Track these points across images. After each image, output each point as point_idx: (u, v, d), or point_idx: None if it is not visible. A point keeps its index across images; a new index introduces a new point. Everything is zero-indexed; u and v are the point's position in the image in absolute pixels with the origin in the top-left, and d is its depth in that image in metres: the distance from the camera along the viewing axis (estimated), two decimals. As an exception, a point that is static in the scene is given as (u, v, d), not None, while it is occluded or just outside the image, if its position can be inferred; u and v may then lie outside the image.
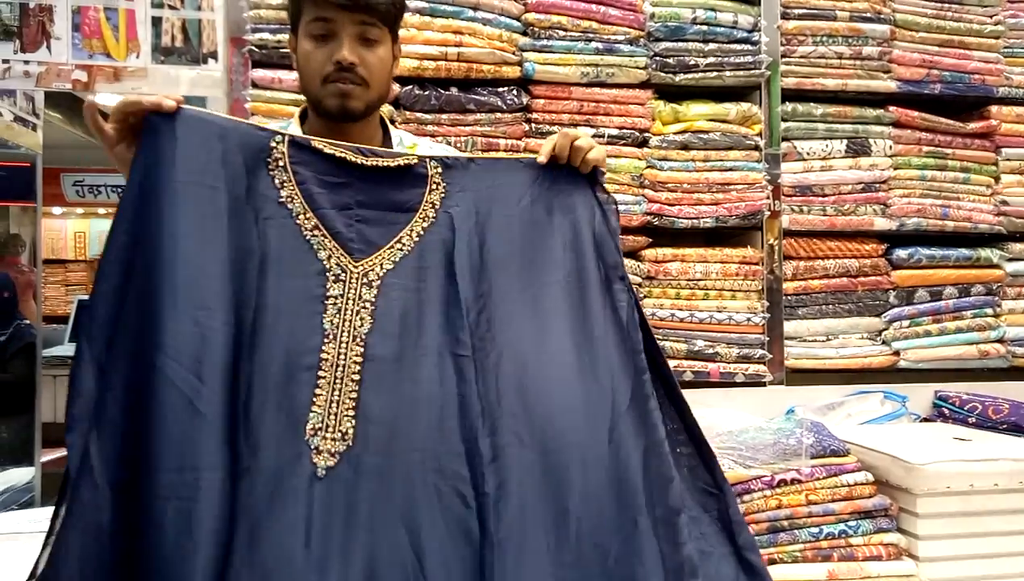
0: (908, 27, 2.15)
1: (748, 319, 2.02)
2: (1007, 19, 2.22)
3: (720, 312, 2.01)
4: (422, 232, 1.08)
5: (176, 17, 1.82)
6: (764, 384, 2.02)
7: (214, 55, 1.84)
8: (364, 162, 1.06)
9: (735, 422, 1.76)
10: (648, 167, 2.02)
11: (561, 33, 1.97)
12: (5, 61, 1.73)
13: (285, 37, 1.80)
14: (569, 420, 1.03)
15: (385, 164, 1.07)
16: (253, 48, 1.84)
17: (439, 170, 1.10)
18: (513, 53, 1.95)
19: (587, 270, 1.11)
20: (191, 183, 0.97)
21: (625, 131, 2.01)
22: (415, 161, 1.09)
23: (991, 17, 2.20)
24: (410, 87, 1.90)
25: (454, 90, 1.92)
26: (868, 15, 2.11)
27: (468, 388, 1.00)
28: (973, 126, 2.20)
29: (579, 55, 1.97)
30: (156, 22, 1.80)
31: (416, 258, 1.06)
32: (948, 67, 2.17)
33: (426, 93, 1.90)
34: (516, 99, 1.95)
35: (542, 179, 1.13)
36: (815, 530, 1.55)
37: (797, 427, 1.68)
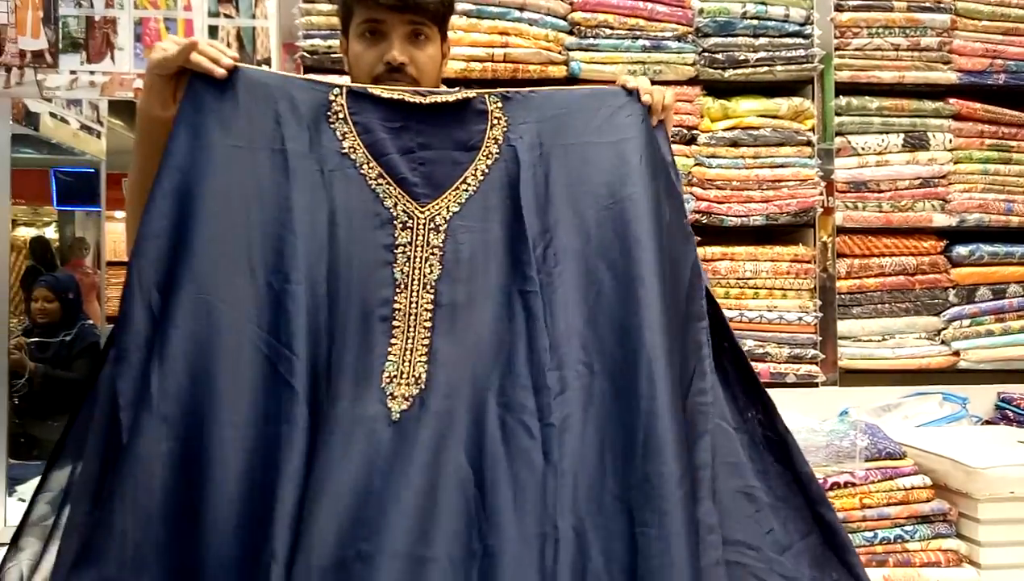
0: (970, 15, 2.07)
1: (799, 318, 1.98)
2: (1076, 5, 2.12)
3: (771, 311, 1.98)
4: (487, 169, 1.07)
5: (232, 25, 1.87)
6: (816, 385, 1.98)
7: (268, 61, 1.89)
8: (422, 101, 1.06)
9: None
10: (696, 165, 2.00)
11: (607, 31, 1.96)
12: (72, 72, 1.80)
13: (335, 43, 1.84)
14: (632, 348, 1.00)
15: (444, 100, 1.07)
16: (305, 54, 1.89)
17: (499, 104, 1.10)
18: (559, 52, 1.95)
19: (653, 198, 1.09)
20: (250, 149, 0.99)
21: (673, 128, 1.98)
22: (473, 96, 1.09)
23: (1059, 3, 2.11)
24: (457, 89, 1.91)
25: (501, 91, 1.93)
26: (927, 5, 2.05)
27: (535, 324, 1.00)
28: (1040, 117, 2.11)
29: (626, 53, 1.96)
30: (213, 31, 1.86)
31: (482, 197, 1.06)
32: (1013, 56, 2.09)
33: (473, 94, 1.91)
34: (562, 98, 1.94)
35: (605, 108, 1.11)
36: (869, 535, 1.51)
37: (851, 429, 1.64)
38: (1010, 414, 1.99)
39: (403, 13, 1.14)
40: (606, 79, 1.96)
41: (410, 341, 0.99)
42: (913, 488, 1.54)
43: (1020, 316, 2.09)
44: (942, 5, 2.06)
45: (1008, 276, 2.09)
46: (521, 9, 1.94)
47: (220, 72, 1.00)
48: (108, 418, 0.92)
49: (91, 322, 2.51)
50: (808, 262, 2.00)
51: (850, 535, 1.49)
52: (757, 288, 1.99)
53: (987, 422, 2.03)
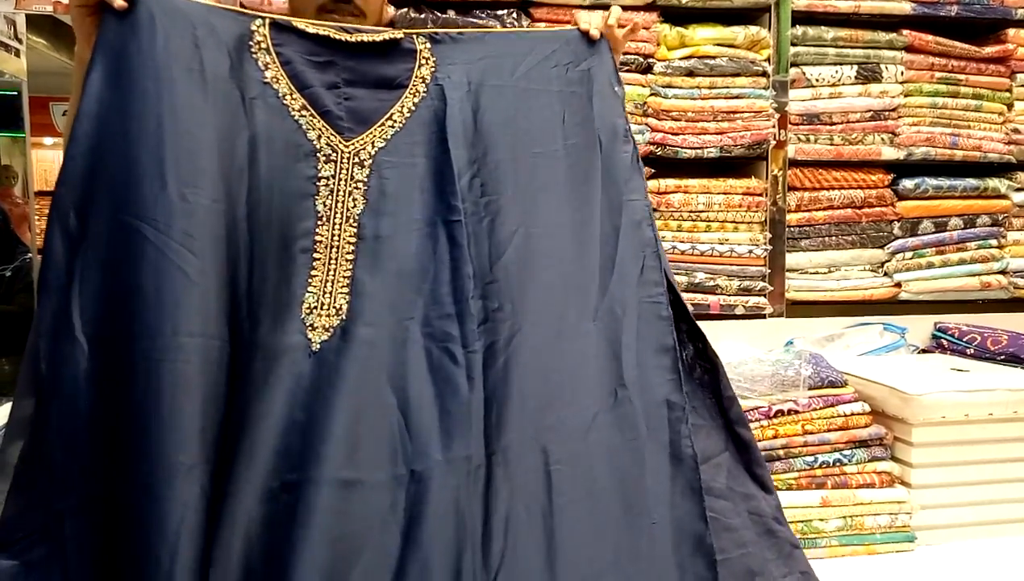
0: (926, -56, 2.05)
1: (750, 251, 2.00)
2: (1030, -64, 2.12)
3: (722, 244, 1.99)
4: (413, 107, 1.07)
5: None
6: (764, 316, 2.02)
7: None
8: (348, 39, 1.05)
9: (734, 354, 1.76)
10: (652, 95, 1.96)
11: (563, -49, 1.88)
12: (-18, -18, 1.66)
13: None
14: (555, 293, 1.05)
15: (371, 39, 1.06)
16: (241, -31, 1.77)
17: (427, 45, 1.10)
18: (513, -27, 1.87)
19: (589, 140, 1.11)
20: (166, 66, 0.95)
21: (629, 56, 1.94)
22: (401, 37, 1.08)
23: (1014, -66, 2.10)
24: (405, 9, 1.83)
25: (451, 13, 1.85)
26: (885, -68, 2.02)
27: (460, 252, 1.01)
28: (989, 50, 2.12)
29: (582, -25, 1.89)
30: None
31: (408, 134, 1.06)
32: (966, -13, 2.08)
33: (422, 16, 1.83)
34: (516, 22, 1.87)
35: (538, 50, 1.13)
36: (810, 459, 1.57)
37: (796, 359, 1.68)
38: (945, 343, 2.07)
39: None
40: (561, 3, 1.89)
41: (331, 273, 0.99)
42: (852, 414, 1.60)
43: (959, 249, 2.15)
44: (900, -67, 2.03)
45: (950, 209, 2.13)
46: (473, -75, 1.84)
47: (119, 3, 0.94)
48: (34, 347, 0.91)
49: (31, 255, 2.39)
50: (760, 195, 2.01)
51: (791, 459, 1.56)
52: (709, 221, 1.99)
53: (924, 351, 2.11)
